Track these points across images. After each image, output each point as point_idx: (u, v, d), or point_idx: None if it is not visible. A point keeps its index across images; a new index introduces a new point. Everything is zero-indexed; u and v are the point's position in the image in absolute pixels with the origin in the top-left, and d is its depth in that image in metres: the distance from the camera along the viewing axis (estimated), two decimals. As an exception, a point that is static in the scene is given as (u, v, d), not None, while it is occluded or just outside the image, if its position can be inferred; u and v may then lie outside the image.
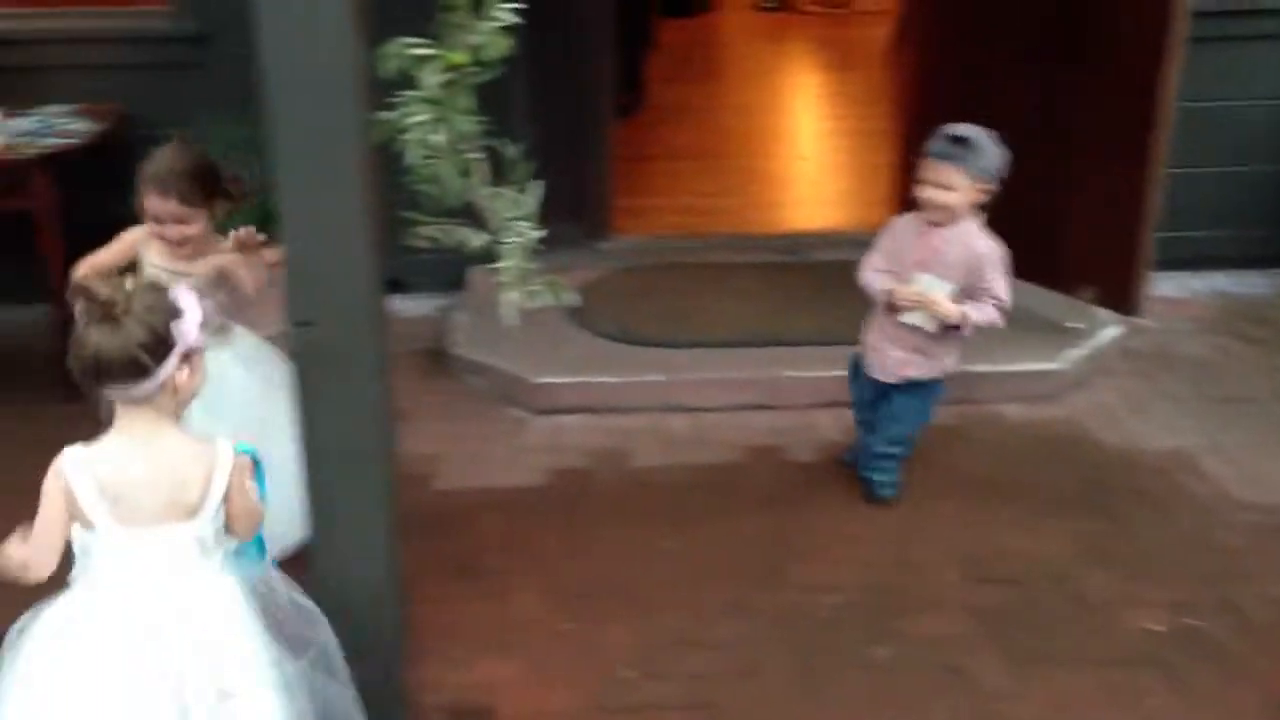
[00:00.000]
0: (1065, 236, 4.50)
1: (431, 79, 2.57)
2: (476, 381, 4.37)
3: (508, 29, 2.58)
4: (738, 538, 3.50)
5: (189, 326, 2.13)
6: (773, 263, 5.12)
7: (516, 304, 2.80)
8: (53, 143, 4.14)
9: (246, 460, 2.24)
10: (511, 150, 2.70)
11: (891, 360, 3.56)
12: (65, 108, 4.45)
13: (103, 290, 2.06)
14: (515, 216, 2.78)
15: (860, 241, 5.25)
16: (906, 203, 5.13)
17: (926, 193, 3.40)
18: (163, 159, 3.07)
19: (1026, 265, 4.61)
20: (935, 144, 3.38)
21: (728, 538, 3.51)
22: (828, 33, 10.07)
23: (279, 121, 2.33)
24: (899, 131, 5.43)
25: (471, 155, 2.66)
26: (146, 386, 2.09)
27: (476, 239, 2.79)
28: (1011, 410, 4.20)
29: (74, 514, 2.12)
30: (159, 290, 2.16)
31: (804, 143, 7.32)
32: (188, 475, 2.14)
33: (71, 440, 2.17)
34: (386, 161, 2.47)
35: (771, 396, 4.22)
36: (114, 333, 2.05)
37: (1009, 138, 3.39)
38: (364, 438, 2.52)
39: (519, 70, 4.42)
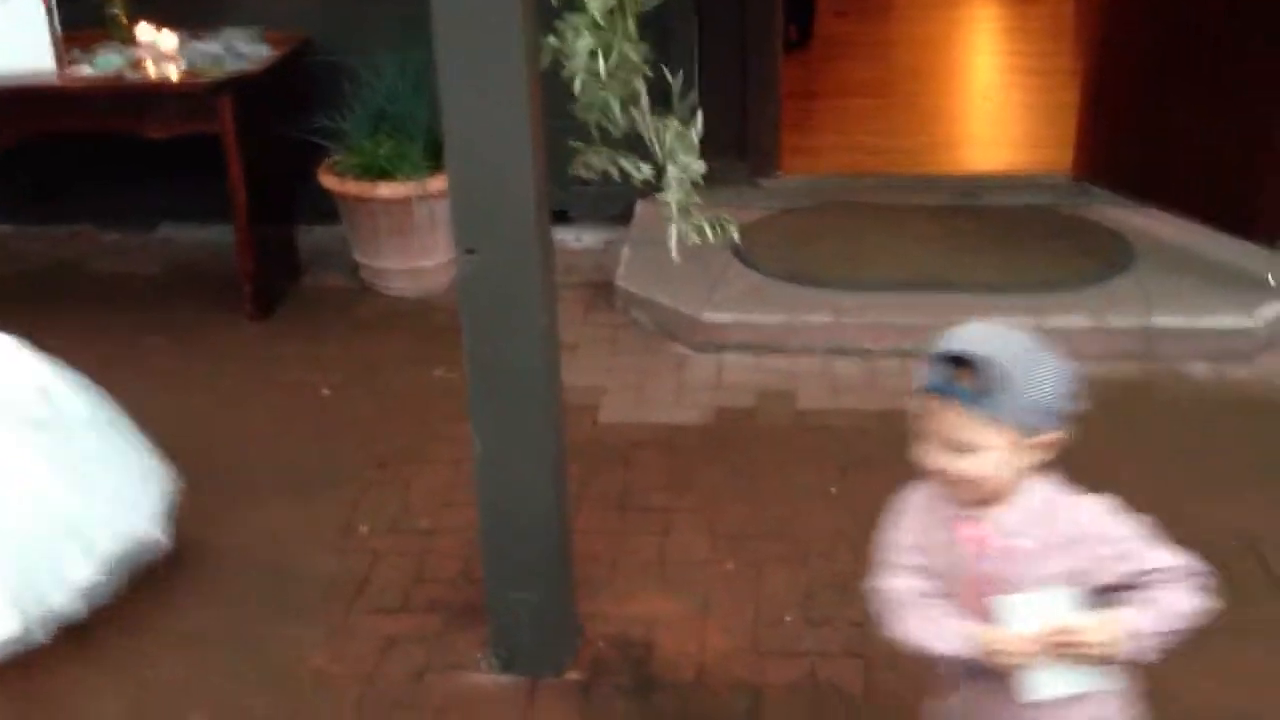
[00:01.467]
0: (1265, 184, 4.20)
1: (596, 3, 2.51)
2: (640, 316, 4.34)
3: (676, -46, 2.50)
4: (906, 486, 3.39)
5: None
6: (947, 205, 4.92)
7: (681, 237, 2.75)
8: (234, 67, 4.12)
9: None
10: (675, 80, 2.63)
11: None
12: (246, 31, 4.39)
13: None
14: (679, 148, 2.71)
15: (1041, 184, 5.12)
16: (1084, 155, 4.95)
17: (934, 459, 1.89)
18: None
19: (1222, 213, 4.38)
20: (932, 369, 1.81)
21: (896, 485, 3.38)
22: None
23: (445, 45, 2.31)
24: (1084, 70, 5.16)
25: (636, 84, 2.60)
26: None
27: (642, 170, 2.74)
28: (1198, 369, 3.95)
29: None
30: None
31: (983, 81, 7.04)
32: None
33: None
34: (553, 90, 2.42)
35: (942, 342, 4.07)
36: None
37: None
38: (529, 363, 2.52)
39: (683, -1, 4.33)
